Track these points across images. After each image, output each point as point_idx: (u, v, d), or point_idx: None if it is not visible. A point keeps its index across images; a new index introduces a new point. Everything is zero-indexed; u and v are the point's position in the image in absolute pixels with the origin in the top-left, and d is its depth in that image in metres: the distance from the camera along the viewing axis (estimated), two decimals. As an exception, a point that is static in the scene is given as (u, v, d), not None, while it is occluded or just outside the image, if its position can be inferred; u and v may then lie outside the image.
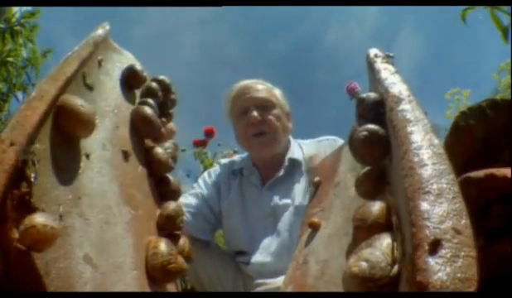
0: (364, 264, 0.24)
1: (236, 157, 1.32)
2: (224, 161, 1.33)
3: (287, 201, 1.08)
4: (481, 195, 0.25)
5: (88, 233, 0.39)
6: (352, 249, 0.33)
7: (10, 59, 1.48)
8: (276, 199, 1.11)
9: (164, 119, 0.65)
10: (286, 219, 1.06)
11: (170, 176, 0.60)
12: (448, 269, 0.18)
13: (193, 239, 1.07)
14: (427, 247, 0.19)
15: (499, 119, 0.36)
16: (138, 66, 0.61)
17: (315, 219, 0.50)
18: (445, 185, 0.22)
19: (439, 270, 0.18)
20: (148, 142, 0.59)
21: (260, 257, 1.05)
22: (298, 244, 0.55)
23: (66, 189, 0.39)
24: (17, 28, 1.49)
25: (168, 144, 0.63)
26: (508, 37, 0.67)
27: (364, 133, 0.35)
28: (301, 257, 0.50)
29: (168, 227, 0.52)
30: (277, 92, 1.24)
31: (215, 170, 1.28)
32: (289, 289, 0.48)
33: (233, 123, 1.25)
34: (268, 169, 1.17)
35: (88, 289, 0.35)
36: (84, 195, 0.41)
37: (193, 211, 1.13)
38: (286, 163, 1.15)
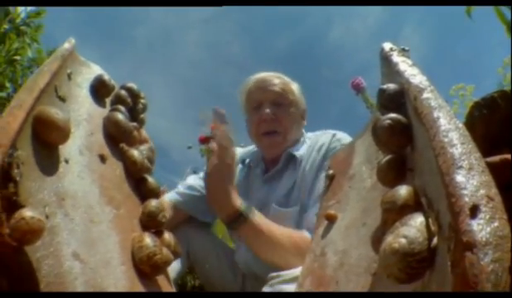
0: (403, 240, 0.30)
1: (249, 148, 1.41)
2: (237, 149, 1.40)
3: (271, 199, 1.18)
4: (497, 179, 0.31)
5: (74, 231, 0.45)
6: (381, 232, 0.39)
7: (17, 57, 1.54)
8: (267, 194, 1.21)
9: (136, 124, 0.75)
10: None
11: (148, 177, 0.69)
12: (488, 229, 0.24)
13: (195, 221, 1.27)
14: (468, 212, 0.25)
15: (508, 110, 0.44)
16: (106, 76, 0.71)
17: (331, 211, 0.56)
18: (474, 161, 0.28)
19: (482, 229, 0.24)
20: (123, 146, 0.67)
21: (243, 256, 1.18)
22: (314, 237, 0.60)
23: (50, 192, 0.45)
24: (23, 28, 1.59)
25: (144, 147, 0.73)
26: (512, 32, 0.76)
27: (388, 121, 0.41)
28: (319, 248, 0.56)
29: (150, 223, 0.60)
30: (295, 87, 1.32)
31: None
32: (307, 281, 0.53)
33: (246, 117, 1.33)
34: (271, 162, 1.27)
35: (78, 284, 0.41)
36: (67, 197, 0.48)
37: (197, 194, 1.24)
38: (284, 157, 1.23)
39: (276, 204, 1.16)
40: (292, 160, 1.23)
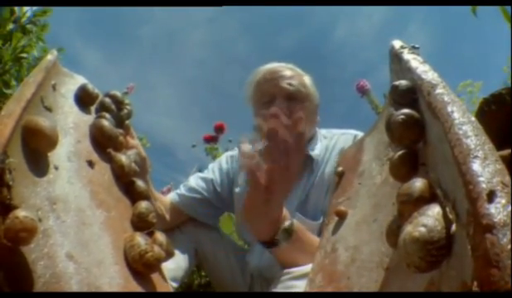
0: (422, 229, 0.34)
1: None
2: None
3: (290, 204, 1.18)
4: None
5: (66, 233, 0.51)
6: (396, 225, 0.44)
7: (23, 55, 1.57)
8: None
9: (121, 130, 0.83)
10: None
11: (137, 180, 0.76)
12: (505, 212, 0.28)
13: (200, 223, 1.33)
14: (485, 198, 0.29)
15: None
16: (89, 85, 0.79)
17: (341, 208, 0.60)
18: (488, 151, 0.33)
19: (499, 212, 0.28)
20: (111, 151, 0.74)
21: (256, 260, 1.21)
22: (324, 233, 0.65)
23: (42, 197, 0.51)
24: (29, 26, 1.68)
25: (131, 151, 0.82)
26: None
27: (402, 117, 0.46)
28: (329, 245, 0.61)
29: (141, 224, 0.67)
30: (307, 80, 1.35)
31: (234, 155, 1.42)
32: (318, 277, 0.58)
33: (254, 110, 1.36)
34: None
35: (73, 283, 0.46)
36: (58, 201, 0.54)
37: (198, 196, 1.31)
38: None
39: (297, 211, 1.18)
40: (308, 160, 1.26)
